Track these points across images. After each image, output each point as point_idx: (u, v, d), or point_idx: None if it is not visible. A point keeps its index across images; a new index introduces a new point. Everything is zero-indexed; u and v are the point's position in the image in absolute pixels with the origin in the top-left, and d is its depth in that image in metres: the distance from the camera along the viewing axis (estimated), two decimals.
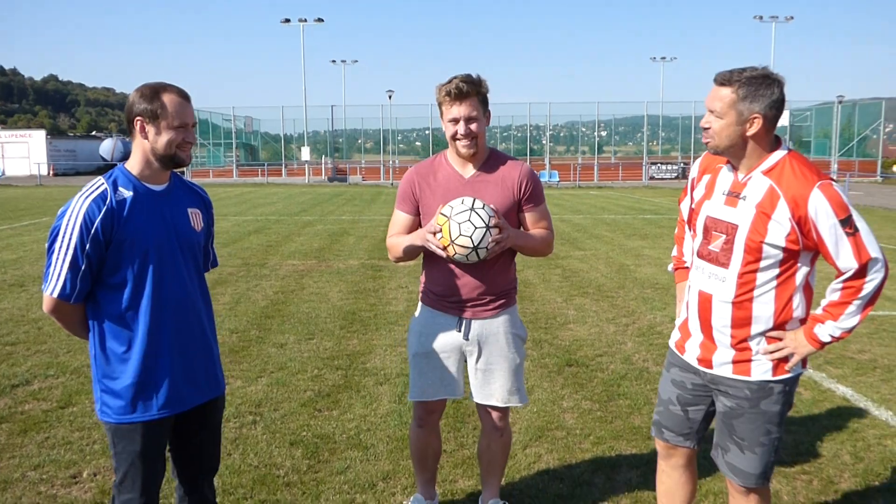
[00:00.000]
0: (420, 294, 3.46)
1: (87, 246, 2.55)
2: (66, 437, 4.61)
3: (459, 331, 3.30)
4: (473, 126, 3.12)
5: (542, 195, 3.35)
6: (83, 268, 2.57)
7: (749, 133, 2.64)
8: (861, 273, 2.59)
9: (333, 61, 61.90)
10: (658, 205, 25.74)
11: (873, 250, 2.57)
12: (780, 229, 2.60)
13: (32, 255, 12.68)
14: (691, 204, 3.01)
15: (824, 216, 2.55)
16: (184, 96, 2.66)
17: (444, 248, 3.05)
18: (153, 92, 2.60)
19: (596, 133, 58.23)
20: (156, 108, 2.59)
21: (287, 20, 50.09)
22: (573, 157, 57.53)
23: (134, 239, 2.61)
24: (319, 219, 20.03)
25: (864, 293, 2.61)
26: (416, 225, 3.32)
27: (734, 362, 2.78)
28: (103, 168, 60.24)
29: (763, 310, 2.71)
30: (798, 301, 2.72)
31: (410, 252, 3.25)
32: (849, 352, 6.61)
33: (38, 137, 56.52)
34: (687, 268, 3.16)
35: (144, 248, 2.62)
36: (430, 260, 3.31)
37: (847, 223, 2.55)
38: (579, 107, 56.79)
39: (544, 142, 56.04)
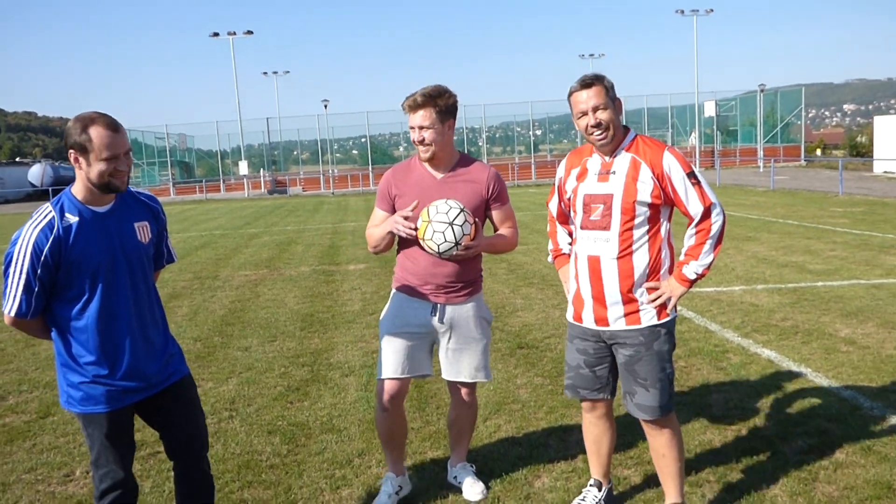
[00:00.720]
0: (394, 283, 3.74)
1: (39, 271, 2.79)
2: (52, 442, 4.86)
3: (434, 315, 3.60)
4: (426, 134, 3.46)
5: (507, 196, 3.71)
6: (36, 290, 2.82)
7: (621, 117, 3.23)
8: (706, 215, 3.22)
9: (265, 73, 61.58)
10: None
11: (713, 197, 3.24)
12: (645, 188, 3.19)
13: None
14: (564, 196, 3.52)
15: (676, 170, 3.20)
16: (112, 128, 2.79)
17: (416, 238, 3.45)
18: (82, 126, 2.76)
19: (531, 132, 59.15)
20: (84, 141, 2.75)
21: (216, 34, 49.67)
22: (510, 157, 58.30)
23: (81, 261, 2.85)
24: (264, 230, 20.19)
25: (712, 233, 3.24)
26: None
27: (626, 315, 3.30)
28: (32, 194, 58.77)
29: (641, 261, 3.26)
30: (665, 253, 3.32)
31: (385, 239, 3.59)
32: (773, 320, 7.21)
33: None
34: (564, 254, 3.69)
35: (93, 267, 2.87)
36: (406, 252, 3.64)
37: (692, 176, 3.21)
38: (513, 107, 57.80)
39: (480, 143, 56.74)
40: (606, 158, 3.31)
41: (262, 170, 53.07)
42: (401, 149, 61.27)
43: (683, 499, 3.48)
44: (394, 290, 3.76)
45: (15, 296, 2.82)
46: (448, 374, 3.74)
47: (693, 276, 3.27)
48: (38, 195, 56.79)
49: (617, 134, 3.25)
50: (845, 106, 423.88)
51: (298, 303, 9.21)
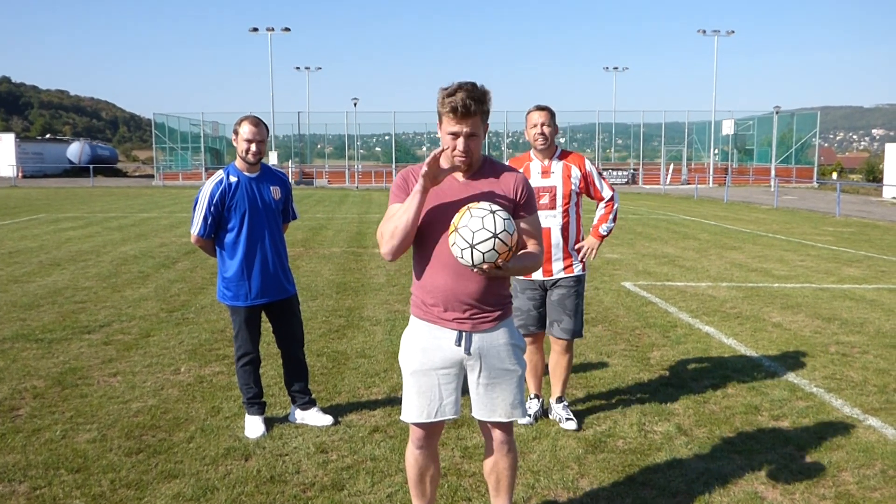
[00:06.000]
0: (412, 307, 3.24)
1: (212, 208, 4.60)
2: (158, 352, 6.58)
3: (459, 345, 3.10)
4: (472, 143, 3.02)
5: (535, 204, 3.26)
6: (209, 220, 4.62)
7: (558, 135, 4.96)
8: (612, 199, 5.04)
9: (297, 68, 63.65)
10: None
11: (613, 188, 5.06)
12: (576, 181, 4.90)
13: (53, 243, 14.49)
14: None
15: (593, 170, 4.98)
16: (254, 123, 4.65)
17: (449, 231, 2.92)
18: (239, 120, 4.66)
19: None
20: (236, 129, 4.65)
21: (255, 29, 51.71)
22: None
23: (237, 205, 4.64)
24: (298, 217, 21.91)
25: (614, 208, 5.08)
26: None
27: (564, 268, 4.97)
28: (70, 171, 61.11)
29: (573, 229, 4.97)
30: (581, 225, 5.05)
31: (410, 213, 2.96)
32: (723, 308, 8.81)
33: (7, 140, 57.17)
34: None
35: (243, 210, 4.66)
36: (422, 268, 3.13)
37: (601, 174, 5.00)
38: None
39: (503, 148, 58.31)
40: (545, 162, 4.98)
41: (289, 161, 55.00)
42: (424, 148, 63.06)
43: (564, 395, 5.18)
44: (412, 317, 3.24)
45: (198, 222, 4.63)
46: (481, 413, 3.22)
47: (604, 233, 5.07)
48: (76, 171, 59.00)
49: (552, 145, 4.96)
50: (874, 130, 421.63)
51: (332, 274, 10.93)
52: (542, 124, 4.89)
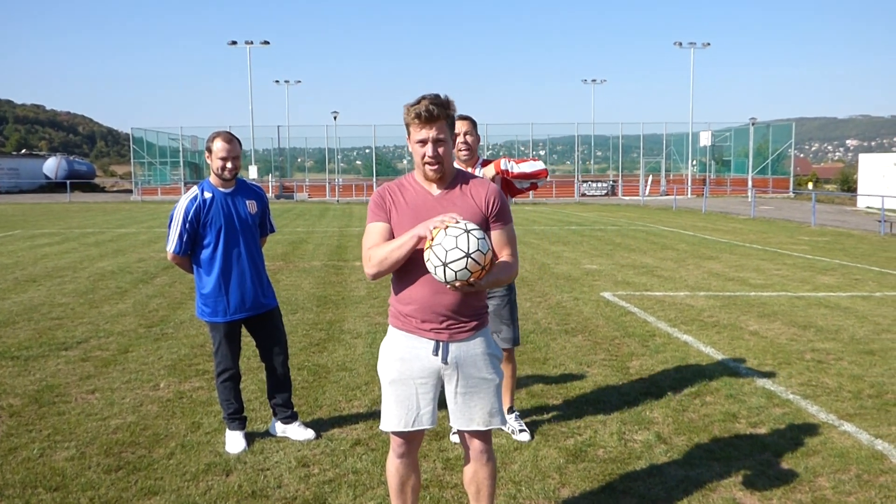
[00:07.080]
0: (390, 318, 3.28)
1: (187, 225, 4.58)
2: (136, 368, 6.54)
3: (437, 355, 3.13)
4: (441, 149, 3.07)
5: (510, 215, 3.27)
6: (185, 237, 4.60)
7: (479, 145, 4.97)
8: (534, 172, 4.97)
9: (277, 81, 63.62)
10: (584, 218, 28.47)
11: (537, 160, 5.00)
12: (497, 179, 4.87)
13: (28, 259, 14.36)
14: None
15: (505, 160, 4.88)
16: (227, 140, 4.65)
17: (425, 248, 2.94)
18: (211, 137, 4.65)
19: (531, 151, 60.91)
20: (209, 146, 4.64)
21: (234, 42, 51.67)
22: None
23: (212, 221, 4.63)
24: (277, 230, 21.88)
25: (531, 172, 4.94)
26: (393, 234, 3.14)
27: None
28: (46, 186, 60.59)
29: None
30: None
31: (405, 248, 2.99)
32: (701, 317, 8.89)
33: None
34: None
35: (218, 226, 4.64)
36: (404, 279, 3.15)
37: (508, 161, 4.92)
38: (515, 127, 59.62)
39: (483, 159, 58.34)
40: (470, 170, 4.95)
41: (270, 174, 54.86)
42: (404, 162, 63.11)
43: (513, 404, 5.18)
44: (390, 327, 3.29)
45: (173, 240, 4.60)
46: (459, 422, 3.24)
47: (504, 166, 4.88)
48: (52, 187, 58.49)
49: (474, 154, 4.93)
50: (848, 141, 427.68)
51: (313, 287, 10.92)
52: (465, 133, 4.86)
